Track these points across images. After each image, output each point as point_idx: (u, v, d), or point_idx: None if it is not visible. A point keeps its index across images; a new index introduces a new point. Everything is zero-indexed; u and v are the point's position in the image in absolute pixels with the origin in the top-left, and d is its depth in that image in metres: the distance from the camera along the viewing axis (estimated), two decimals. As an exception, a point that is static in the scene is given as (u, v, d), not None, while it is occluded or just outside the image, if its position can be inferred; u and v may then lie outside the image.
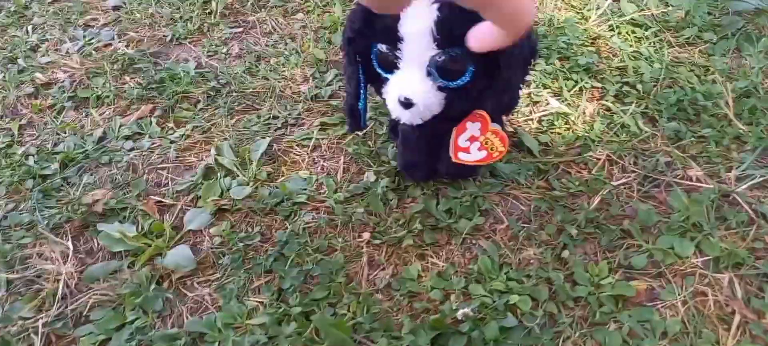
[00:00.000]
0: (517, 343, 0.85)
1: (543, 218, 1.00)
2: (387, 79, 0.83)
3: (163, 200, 1.10)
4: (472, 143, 0.92)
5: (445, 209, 1.02)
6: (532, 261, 0.95)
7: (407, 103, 0.80)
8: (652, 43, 1.25)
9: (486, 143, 0.90)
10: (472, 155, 0.92)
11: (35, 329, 0.93)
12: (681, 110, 1.11)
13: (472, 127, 0.90)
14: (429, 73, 0.79)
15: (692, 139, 1.07)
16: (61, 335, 0.93)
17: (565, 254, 0.94)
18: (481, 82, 0.79)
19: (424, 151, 0.99)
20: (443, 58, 0.77)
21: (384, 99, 0.86)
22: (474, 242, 0.99)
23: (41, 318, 0.94)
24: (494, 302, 0.89)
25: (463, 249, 0.98)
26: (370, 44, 0.83)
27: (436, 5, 0.73)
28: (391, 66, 0.81)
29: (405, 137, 1.00)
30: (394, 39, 0.78)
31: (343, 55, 0.88)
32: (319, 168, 1.13)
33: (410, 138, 0.98)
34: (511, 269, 0.94)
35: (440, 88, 0.80)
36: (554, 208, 1.01)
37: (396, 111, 0.83)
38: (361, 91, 0.87)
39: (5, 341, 0.91)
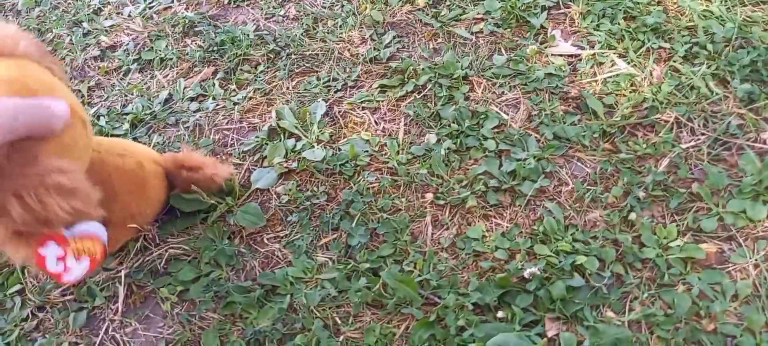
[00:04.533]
0: (584, 302, 0.86)
1: (609, 180, 1.00)
2: None
3: (231, 159, 1.14)
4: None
5: (509, 171, 1.02)
6: (598, 223, 0.95)
7: None
8: (723, 1, 1.20)
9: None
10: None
11: (118, 278, 0.98)
12: (754, 72, 1.08)
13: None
14: None
15: (766, 101, 1.04)
16: (142, 286, 0.98)
17: (632, 216, 0.94)
18: None
19: None
20: None
21: None
22: (538, 203, 0.99)
23: (123, 269, 0.99)
24: (560, 262, 0.90)
25: (527, 210, 0.99)
26: None
27: None
28: None
29: None
30: None
31: None
32: (381, 130, 1.14)
33: None
34: (577, 230, 0.94)
35: None
36: (620, 170, 1.00)
37: None
38: None
39: (91, 290, 0.97)
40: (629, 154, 1.02)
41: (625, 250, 0.90)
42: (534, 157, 1.03)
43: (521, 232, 0.96)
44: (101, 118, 1.26)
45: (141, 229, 0.98)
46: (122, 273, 0.98)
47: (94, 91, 1.36)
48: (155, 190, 0.97)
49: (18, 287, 0.99)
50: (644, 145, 1.02)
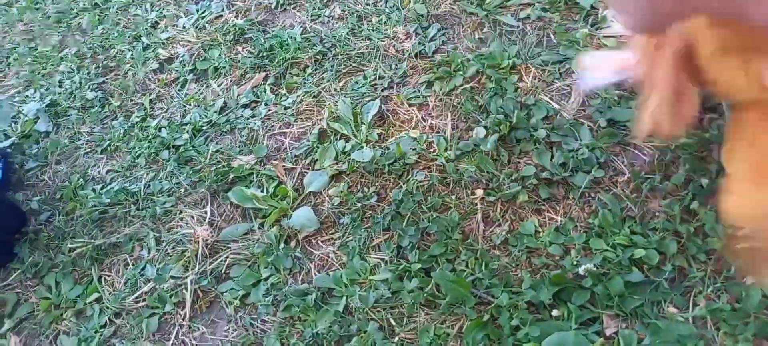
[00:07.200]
0: (644, 298, 0.83)
1: (668, 168, 0.96)
2: None
3: (283, 163, 1.17)
4: None
5: (560, 163, 1.00)
6: (657, 214, 0.91)
7: None
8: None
9: None
10: None
11: (185, 285, 1.04)
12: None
13: None
14: None
15: (844, 72, 0.96)
16: (207, 291, 1.03)
17: (695, 205, 0.90)
18: None
19: None
20: None
21: None
22: (593, 195, 0.96)
23: (189, 276, 1.05)
24: (618, 256, 0.87)
25: (581, 203, 0.96)
26: None
27: None
28: None
29: None
30: None
31: None
32: (428, 126, 1.14)
33: None
34: (635, 222, 0.91)
35: None
36: (681, 156, 0.95)
37: None
38: None
39: (161, 297, 1.03)
40: (690, 138, 0.97)
41: (687, 241, 0.87)
42: (587, 147, 1.00)
43: (576, 226, 0.94)
44: (162, 129, 1.32)
45: None
46: (188, 280, 1.04)
47: (155, 103, 1.42)
48: None
49: (96, 295, 1.06)
50: (707, 127, 0.97)
